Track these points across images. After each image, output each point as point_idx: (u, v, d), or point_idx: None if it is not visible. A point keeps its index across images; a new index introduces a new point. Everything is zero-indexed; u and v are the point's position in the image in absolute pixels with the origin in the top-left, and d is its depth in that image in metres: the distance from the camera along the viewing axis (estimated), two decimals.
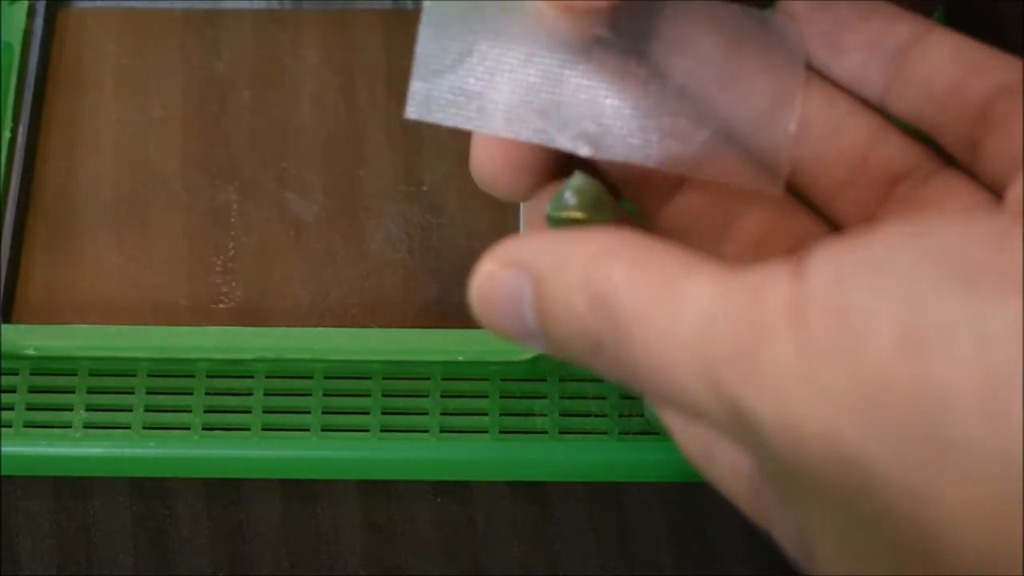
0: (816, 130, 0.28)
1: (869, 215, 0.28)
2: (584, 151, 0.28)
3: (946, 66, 0.28)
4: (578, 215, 0.29)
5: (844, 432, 0.21)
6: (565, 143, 0.28)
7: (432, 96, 0.28)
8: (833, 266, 0.22)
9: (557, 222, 0.29)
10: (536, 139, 0.28)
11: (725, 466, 0.28)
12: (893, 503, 0.21)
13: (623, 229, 0.25)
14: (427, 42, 0.28)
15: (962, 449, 0.21)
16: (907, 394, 0.21)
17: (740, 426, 0.23)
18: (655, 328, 0.23)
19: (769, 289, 0.22)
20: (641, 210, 0.31)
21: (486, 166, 0.29)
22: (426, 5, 0.28)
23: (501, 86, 0.28)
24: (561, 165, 0.29)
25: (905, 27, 0.28)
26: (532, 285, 0.25)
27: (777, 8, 0.29)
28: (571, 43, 0.28)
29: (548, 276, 0.25)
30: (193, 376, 0.41)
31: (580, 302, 0.24)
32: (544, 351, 0.27)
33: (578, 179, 0.29)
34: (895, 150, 0.28)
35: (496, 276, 0.26)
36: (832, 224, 0.29)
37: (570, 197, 0.29)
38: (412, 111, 0.28)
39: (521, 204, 0.32)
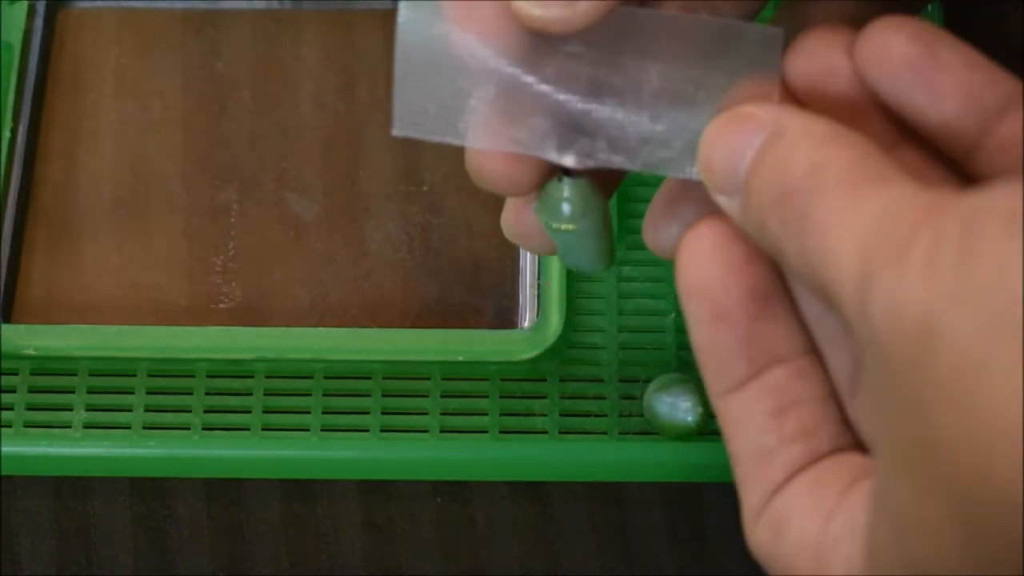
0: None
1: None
2: (569, 161, 0.29)
3: None
4: (571, 227, 0.31)
5: (935, 304, 0.23)
6: (550, 154, 0.29)
7: (415, 112, 0.29)
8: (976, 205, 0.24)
9: (553, 230, 0.31)
10: (520, 151, 0.29)
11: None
12: (952, 370, 0.23)
13: (854, 131, 0.27)
14: (404, 59, 0.28)
15: None
16: (995, 267, 0.23)
17: (858, 294, 0.25)
18: (846, 199, 0.26)
19: (945, 201, 0.24)
20: None
21: (483, 164, 0.30)
22: (400, 22, 0.28)
23: (480, 101, 0.29)
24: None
25: (1007, 86, 0.29)
26: (768, 136, 0.27)
27: (863, 35, 0.29)
28: (547, 57, 0.29)
29: (787, 134, 0.27)
30: (193, 376, 0.41)
31: (800, 161, 0.27)
32: (720, 189, 0.28)
33: (568, 188, 0.30)
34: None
35: (744, 118, 0.28)
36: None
37: (566, 208, 0.30)
38: (397, 129, 0.29)
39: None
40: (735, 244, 0.28)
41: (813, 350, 0.29)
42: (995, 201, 0.23)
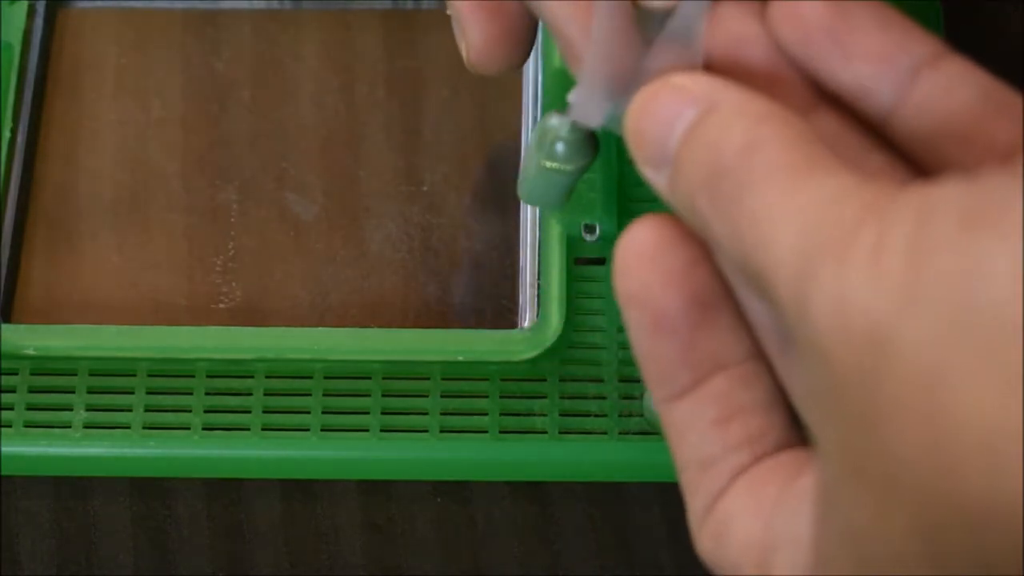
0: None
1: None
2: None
3: (972, 102, 0.27)
4: (567, 167, 0.31)
5: (883, 307, 0.22)
6: None
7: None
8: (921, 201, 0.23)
9: (541, 168, 0.31)
10: None
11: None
12: (910, 382, 0.22)
13: (792, 112, 0.26)
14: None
15: (992, 320, 0.21)
16: (949, 268, 0.22)
17: (796, 292, 0.24)
18: (781, 185, 0.25)
19: (887, 195, 0.24)
20: None
21: (479, 39, 0.31)
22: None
23: None
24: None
25: (922, 46, 0.28)
26: (700, 111, 0.27)
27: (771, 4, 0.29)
28: None
29: (720, 109, 0.26)
30: (193, 376, 0.41)
31: (733, 140, 0.26)
32: (649, 166, 0.28)
33: (565, 127, 0.31)
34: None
35: (677, 89, 0.27)
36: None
37: (560, 148, 0.31)
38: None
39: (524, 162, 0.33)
40: (675, 248, 0.28)
41: (757, 355, 0.28)
42: (945, 200, 0.23)
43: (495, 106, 0.40)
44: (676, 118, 0.27)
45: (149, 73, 0.46)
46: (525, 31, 0.34)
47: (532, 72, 0.44)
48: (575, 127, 0.31)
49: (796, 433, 0.28)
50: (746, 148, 0.26)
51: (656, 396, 0.29)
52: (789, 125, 0.26)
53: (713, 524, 0.28)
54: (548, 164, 0.31)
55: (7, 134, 0.44)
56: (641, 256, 0.28)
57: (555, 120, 0.32)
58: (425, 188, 0.44)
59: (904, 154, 0.28)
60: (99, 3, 0.47)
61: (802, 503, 0.27)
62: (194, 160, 0.44)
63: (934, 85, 0.28)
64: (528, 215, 0.43)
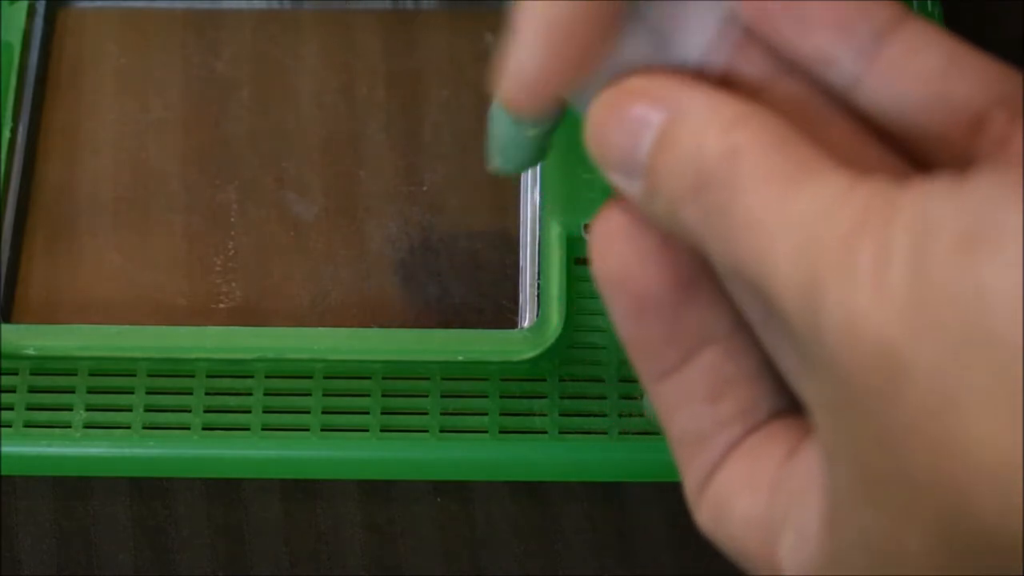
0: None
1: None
2: None
3: (936, 66, 0.27)
4: (534, 130, 0.30)
5: (894, 329, 0.22)
6: None
7: None
8: (926, 199, 0.23)
9: (514, 133, 0.30)
10: None
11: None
12: (922, 407, 0.22)
13: (766, 110, 0.26)
14: None
15: (998, 347, 0.21)
16: (955, 292, 0.22)
17: (804, 307, 0.24)
18: (772, 194, 0.24)
19: (881, 200, 0.23)
20: None
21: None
22: None
23: None
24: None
25: (882, 11, 0.27)
26: (668, 116, 0.26)
27: None
28: None
29: (691, 114, 0.26)
30: (193, 376, 0.41)
31: (712, 146, 0.25)
32: (618, 173, 0.27)
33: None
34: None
35: (637, 93, 0.26)
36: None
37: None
38: None
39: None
40: (648, 227, 0.27)
41: (741, 326, 0.28)
42: (941, 218, 0.22)
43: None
44: (642, 126, 0.26)
45: (149, 73, 0.46)
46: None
47: None
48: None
49: (784, 398, 0.28)
50: (726, 154, 0.25)
51: (643, 376, 0.28)
52: (766, 127, 0.25)
53: (711, 499, 0.28)
54: (515, 128, 0.30)
55: (7, 134, 0.44)
56: (615, 238, 0.27)
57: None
58: (425, 188, 0.44)
59: (872, 123, 0.28)
60: (99, 3, 0.47)
61: (806, 490, 0.26)
62: (194, 160, 0.44)
63: (896, 50, 0.27)
64: (528, 215, 0.43)
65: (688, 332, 0.28)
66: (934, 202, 0.23)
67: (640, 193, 0.27)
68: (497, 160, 0.33)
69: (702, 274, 0.27)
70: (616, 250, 0.27)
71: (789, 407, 0.28)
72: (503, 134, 0.31)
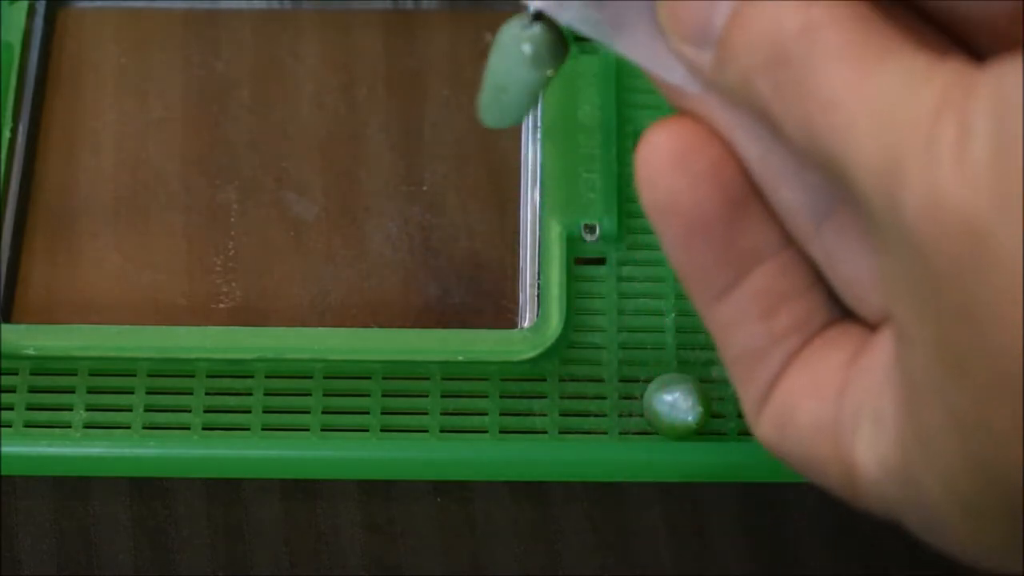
0: None
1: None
2: (535, 5, 0.29)
3: None
4: (536, 73, 0.30)
5: (978, 205, 0.22)
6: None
7: None
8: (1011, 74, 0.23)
9: (513, 77, 0.30)
10: None
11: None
12: (1008, 280, 0.22)
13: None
14: None
15: None
16: None
17: (885, 185, 0.24)
18: (851, 71, 0.24)
19: (961, 80, 0.23)
20: None
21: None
22: None
23: None
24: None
25: None
26: None
27: None
28: None
29: None
30: (193, 376, 0.41)
31: (789, 20, 0.25)
32: (688, 45, 0.27)
33: (541, 34, 0.30)
34: None
35: None
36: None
37: (528, 50, 0.30)
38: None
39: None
40: (698, 150, 0.27)
41: (789, 242, 0.28)
42: (1020, 93, 0.22)
43: None
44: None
45: (149, 73, 0.46)
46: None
47: None
48: (543, 28, 0.31)
49: (837, 309, 0.28)
50: (804, 30, 0.25)
51: (697, 301, 0.28)
52: (844, 4, 0.25)
53: (773, 413, 0.28)
54: (515, 71, 0.30)
55: (7, 134, 0.44)
56: (665, 164, 0.27)
57: (519, 22, 0.31)
58: (425, 188, 0.44)
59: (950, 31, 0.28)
60: (99, 3, 0.47)
61: (880, 383, 0.26)
62: (194, 160, 0.44)
63: None
64: (528, 215, 0.43)
65: (739, 252, 0.28)
66: (1012, 79, 0.23)
67: (710, 65, 0.27)
68: (491, 112, 0.33)
69: (749, 193, 0.27)
70: (664, 177, 0.27)
71: (842, 316, 0.28)
72: (511, 79, 0.31)
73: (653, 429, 0.40)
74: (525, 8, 0.30)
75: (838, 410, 0.27)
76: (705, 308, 0.29)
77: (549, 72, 0.30)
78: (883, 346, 0.27)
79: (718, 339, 0.29)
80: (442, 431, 0.40)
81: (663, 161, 0.27)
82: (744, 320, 0.28)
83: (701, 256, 0.28)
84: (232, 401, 0.40)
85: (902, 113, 0.24)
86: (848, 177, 0.25)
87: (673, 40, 0.27)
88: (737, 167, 0.27)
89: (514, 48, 0.30)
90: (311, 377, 0.41)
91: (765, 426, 0.28)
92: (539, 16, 0.30)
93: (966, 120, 0.23)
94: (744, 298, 0.28)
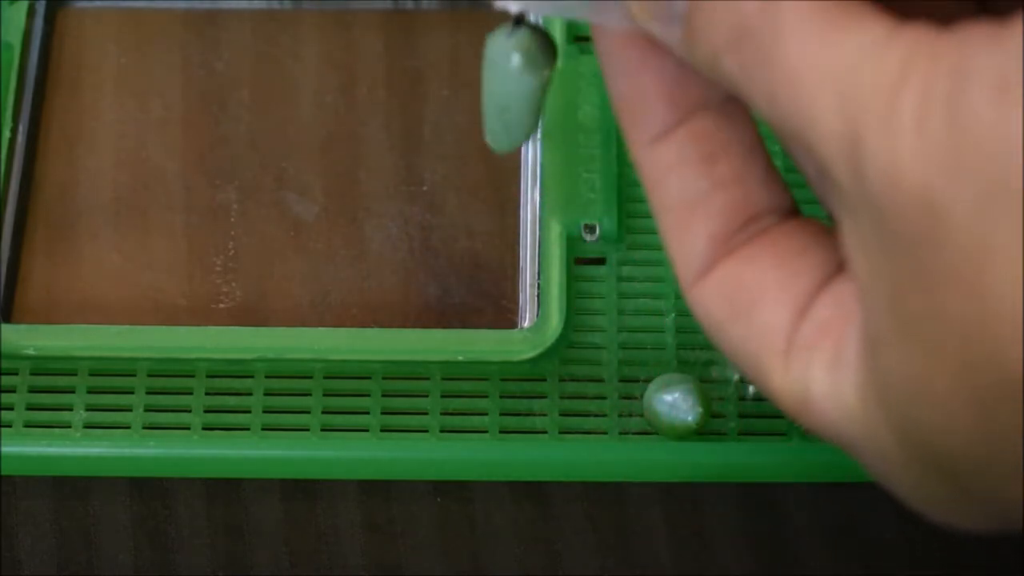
0: None
1: None
2: (513, 8, 0.29)
3: None
4: (529, 78, 0.30)
5: (933, 176, 0.23)
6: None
7: None
8: (962, 46, 0.23)
9: (509, 89, 0.30)
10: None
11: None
12: (959, 253, 0.23)
13: None
14: None
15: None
16: (989, 139, 0.22)
17: (847, 156, 0.24)
18: (811, 43, 0.24)
19: (922, 47, 0.23)
20: None
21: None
22: None
23: None
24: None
25: None
26: None
27: None
28: None
29: None
30: (193, 376, 0.41)
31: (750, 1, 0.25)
32: (656, 23, 0.27)
33: (526, 37, 0.30)
34: None
35: None
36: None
37: (516, 60, 0.30)
38: None
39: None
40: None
41: (734, 100, 0.28)
42: (978, 63, 0.22)
43: None
44: None
45: (149, 73, 0.46)
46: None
47: None
48: (527, 31, 0.30)
49: (778, 187, 0.28)
50: (763, 7, 0.25)
51: (635, 140, 0.28)
52: None
53: (723, 287, 0.28)
54: (512, 84, 0.30)
55: (7, 134, 0.44)
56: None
57: (502, 33, 0.31)
58: (425, 188, 0.44)
59: None
60: (99, 3, 0.47)
61: (842, 321, 0.26)
62: (194, 160, 0.44)
63: None
64: (528, 215, 0.43)
65: (685, 91, 0.28)
66: (973, 49, 0.23)
67: (680, 44, 0.27)
68: (499, 137, 0.32)
69: None
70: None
71: (795, 213, 0.28)
72: (511, 93, 0.31)
73: (653, 429, 0.40)
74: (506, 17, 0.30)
75: (798, 323, 0.27)
76: (643, 148, 0.28)
77: (545, 73, 0.30)
78: (847, 287, 0.27)
79: (650, 183, 0.28)
80: (442, 431, 0.40)
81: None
82: (682, 163, 0.28)
83: (648, 89, 0.28)
84: (232, 401, 0.40)
85: (863, 82, 0.24)
86: (813, 149, 0.25)
87: (639, 20, 0.27)
88: None
89: (505, 60, 0.30)
90: (311, 377, 0.41)
91: (705, 295, 0.28)
92: (520, 19, 0.30)
93: (924, 89, 0.23)
94: (685, 139, 0.28)
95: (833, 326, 0.27)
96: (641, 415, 0.40)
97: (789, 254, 0.28)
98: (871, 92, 0.24)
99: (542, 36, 0.30)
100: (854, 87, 0.24)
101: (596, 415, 0.40)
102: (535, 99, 0.31)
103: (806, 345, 0.27)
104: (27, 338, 0.41)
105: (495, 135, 0.32)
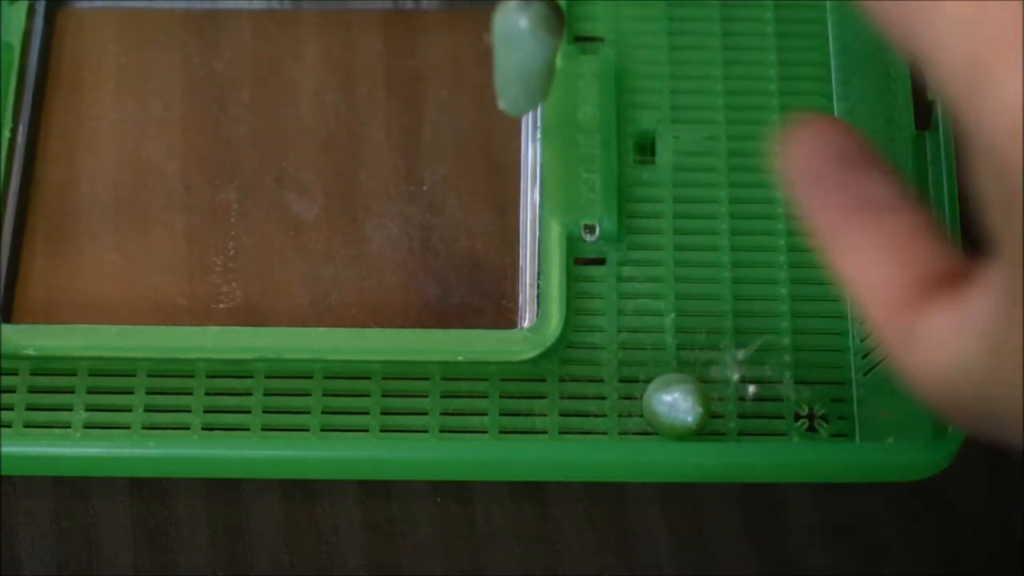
0: None
1: None
2: None
3: None
4: (537, 44, 0.32)
5: None
6: None
7: None
8: None
9: (523, 53, 0.32)
10: None
11: None
12: None
13: None
14: None
15: None
16: None
17: (970, 98, 0.23)
18: None
19: None
20: None
21: None
22: None
23: None
24: None
25: None
26: None
27: None
28: None
29: None
30: (193, 376, 0.41)
31: None
32: None
33: (543, 7, 0.31)
34: None
35: None
36: None
37: (524, 24, 0.31)
38: None
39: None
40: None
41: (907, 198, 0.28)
42: None
43: (495, 106, 0.40)
44: None
45: (149, 73, 0.46)
46: None
47: None
48: (543, 2, 0.31)
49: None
50: None
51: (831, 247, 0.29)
52: None
53: (923, 347, 0.28)
54: (529, 50, 0.31)
55: (7, 134, 0.44)
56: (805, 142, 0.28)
57: (512, 6, 0.31)
58: (425, 188, 0.44)
59: None
60: (99, 3, 0.47)
61: (984, 289, 0.26)
62: (194, 160, 0.44)
63: None
64: (528, 215, 0.43)
65: (859, 197, 0.28)
66: None
67: None
68: (519, 102, 0.33)
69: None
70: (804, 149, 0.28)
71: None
72: (529, 60, 0.32)
73: (653, 429, 0.40)
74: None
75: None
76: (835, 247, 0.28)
77: (560, 38, 0.31)
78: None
79: (848, 278, 0.29)
80: (442, 431, 0.40)
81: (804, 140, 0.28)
82: (876, 250, 0.28)
83: (823, 198, 0.28)
84: (232, 401, 0.40)
85: (988, 27, 0.23)
86: (937, 78, 0.24)
87: None
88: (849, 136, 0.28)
89: (524, 30, 0.31)
90: (311, 377, 0.41)
91: (918, 360, 0.28)
92: None
93: None
94: (876, 234, 0.28)
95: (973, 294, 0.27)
96: (641, 415, 0.40)
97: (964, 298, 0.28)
98: (994, 35, 0.23)
99: (553, 4, 0.31)
100: (983, 16, 0.23)
101: (596, 415, 0.40)
102: (551, 60, 0.31)
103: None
104: (27, 338, 0.41)
105: (515, 101, 0.33)
